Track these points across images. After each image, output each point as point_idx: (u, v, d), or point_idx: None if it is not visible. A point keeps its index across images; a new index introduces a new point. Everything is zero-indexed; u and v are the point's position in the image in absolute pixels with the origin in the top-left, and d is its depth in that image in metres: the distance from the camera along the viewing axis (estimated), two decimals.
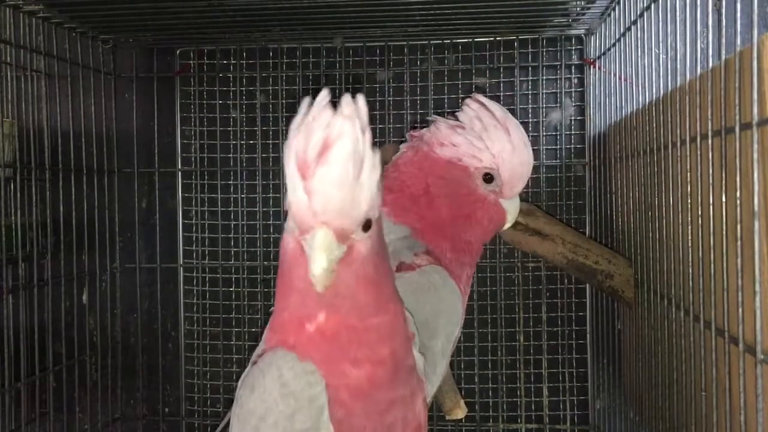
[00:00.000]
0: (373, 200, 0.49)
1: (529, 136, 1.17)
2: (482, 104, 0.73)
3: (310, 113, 0.49)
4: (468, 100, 0.74)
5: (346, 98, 0.48)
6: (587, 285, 1.16)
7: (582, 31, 1.15)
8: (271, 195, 1.24)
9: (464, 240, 0.73)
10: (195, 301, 1.26)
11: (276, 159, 1.23)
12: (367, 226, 0.50)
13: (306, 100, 0.49)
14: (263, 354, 0.57)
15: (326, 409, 0.52)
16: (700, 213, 0.65)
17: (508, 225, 0.76)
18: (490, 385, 1.20)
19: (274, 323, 0.57)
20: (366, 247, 0.51)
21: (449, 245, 0.71)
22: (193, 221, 1.26)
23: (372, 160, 0.48)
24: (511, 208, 0.75)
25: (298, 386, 0.52)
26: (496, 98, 1.19)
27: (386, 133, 1.21)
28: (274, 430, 0.53)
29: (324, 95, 0.49)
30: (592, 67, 1.14)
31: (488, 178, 0.72)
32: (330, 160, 0.46)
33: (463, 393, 1.16)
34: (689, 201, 0.69)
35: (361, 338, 0.52)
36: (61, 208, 1.07)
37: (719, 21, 0.59)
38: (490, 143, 0.71)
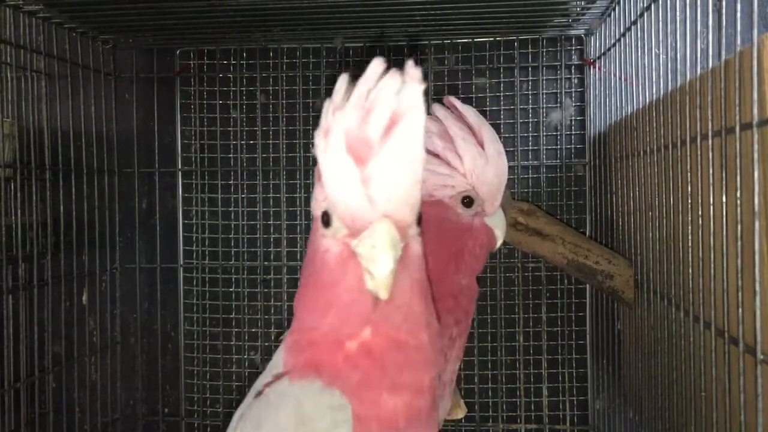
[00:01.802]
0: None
1: (529, 136, 1.19)
2: (449, 111, 0.65)
3: (362, 85, 0.41)
4: (434, 109, 0.66)
5: (409, 63, 0.41)
6: (587, 285, 1.16)
7: (582, 32, 1.15)
8: (271, 195, 1.24)
9: (457, 285, 0.65)
10: (195, 301, 1.26)
11: (276, 159, 1.23)
12: (419, 220, 0.44)
13: (343, 77, 0.42)
14: (275, 382, 0.47)
15: None
16: (700, 213, 0.65)
17: (499, 243, 0.68)
18: (490, 385, 1.20)
19: (299, 343, 0.47)
20: (419, 246, 0.44)
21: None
22: (193, 221, 1.26)
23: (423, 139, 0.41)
24: (498, 223, 0.66)
25: (321, 425, 0.43)
26: (496, 98, 1.20)
27: None
28: None
29: (378, 63, 0.41)
30: (592, 67, 1.14)
31: (467, 201, 0.64)
32: (400, 136, 0.39)
33: (462, 393, 1.17)
34: (689, 201, 0.69)
35: (409, 358, 0.44)
36: (61, 208, 1.07)
37: (719, 21, 0.59)
38: (459, 162, 0.63)
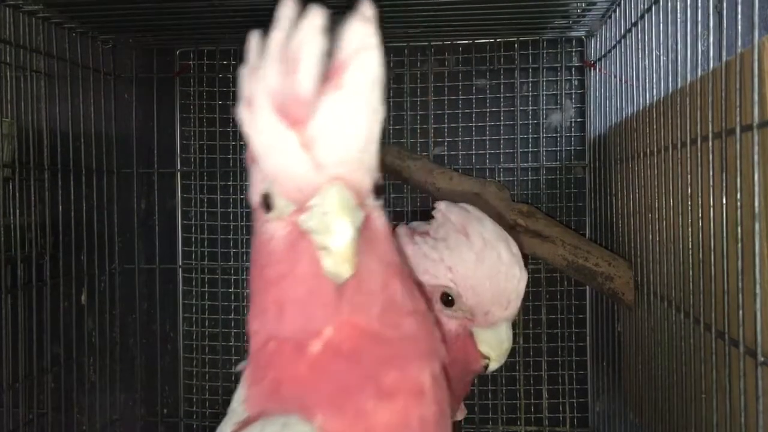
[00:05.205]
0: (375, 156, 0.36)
1: (529, 138, 1.19)
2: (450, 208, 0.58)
3: (276, 34, 0.34)
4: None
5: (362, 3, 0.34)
6: (587, 287, 1.16)
7: (582, 33, 1.15)
8: None
9: None
10: (194, 302, 1.26)
11: None
12: (378, 190, 0.37)
13: (254, 33, 0.35)
14: (245, 426, 0.38)
15: None
16: (700, 215, 0.65)
17: (491, 367, 0.57)
18: (490, 387, 1.20)
19: (258, 363, 0.40)
20: (383, 222, 0.37)
21: None
22: (193, 222, 1.26)
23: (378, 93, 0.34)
24: (492, 342, 0.55)
25: None
26: (496, 100, 1.20)
27: (386, 135, 1.21)
28: None
29: (288, 6, 0.34)
30: (592, 69, 1.14)
31: (447, 299, 0.55)
32: (349, 83, 0.32)
33: None
34: (689, 203, 0.69)
35: (394, 353, 0.35)
36: (60, 209, 1.06)
37: (720, 23, 0.59)
38: (448, 253, 0.54)
